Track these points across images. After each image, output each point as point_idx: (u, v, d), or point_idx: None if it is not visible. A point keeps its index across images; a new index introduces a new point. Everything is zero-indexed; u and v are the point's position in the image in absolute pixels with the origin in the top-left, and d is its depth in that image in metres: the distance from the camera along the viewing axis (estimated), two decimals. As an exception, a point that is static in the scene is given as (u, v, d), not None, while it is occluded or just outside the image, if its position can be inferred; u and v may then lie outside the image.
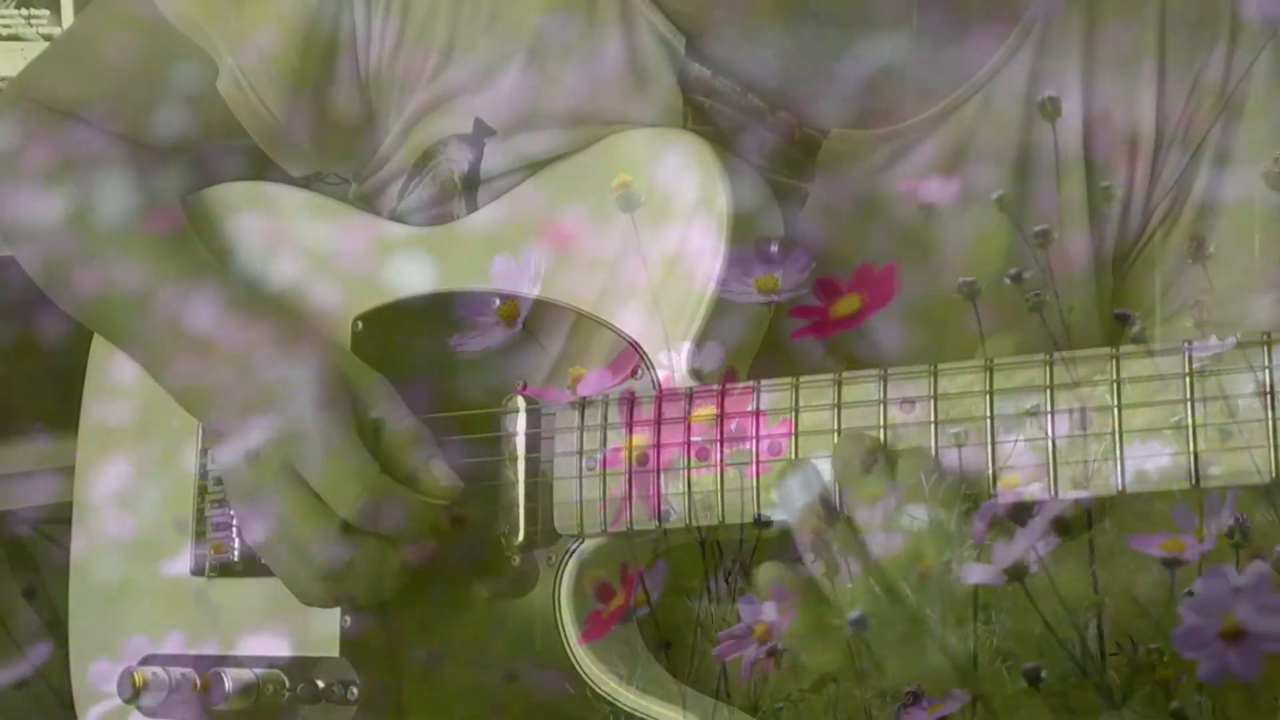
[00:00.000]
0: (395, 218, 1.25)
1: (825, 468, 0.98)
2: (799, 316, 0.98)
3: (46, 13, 2.22)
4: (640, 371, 1.08)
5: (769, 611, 0.93)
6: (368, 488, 1.10)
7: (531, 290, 1.12)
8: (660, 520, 1.04)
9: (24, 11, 2.21)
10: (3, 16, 2.20)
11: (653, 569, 1.01)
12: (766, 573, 0.96)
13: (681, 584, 1.01)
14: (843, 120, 1.16)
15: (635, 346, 1.08)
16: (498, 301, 1.12)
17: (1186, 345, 0.88)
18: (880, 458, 0.95)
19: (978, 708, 0.89)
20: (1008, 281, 0.89)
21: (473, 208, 1.20)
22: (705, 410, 1.03)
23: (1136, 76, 1.18)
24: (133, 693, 1.19)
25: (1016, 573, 0.83)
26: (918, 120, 1.16)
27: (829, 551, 0.95)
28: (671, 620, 1.02)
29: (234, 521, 1.24)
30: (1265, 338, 0.87)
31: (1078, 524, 0.87)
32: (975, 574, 0.84)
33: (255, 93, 1.23)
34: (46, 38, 2.21)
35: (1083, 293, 1.19)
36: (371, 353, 1.19)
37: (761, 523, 0.98)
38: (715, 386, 1.03)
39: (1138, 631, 0.87)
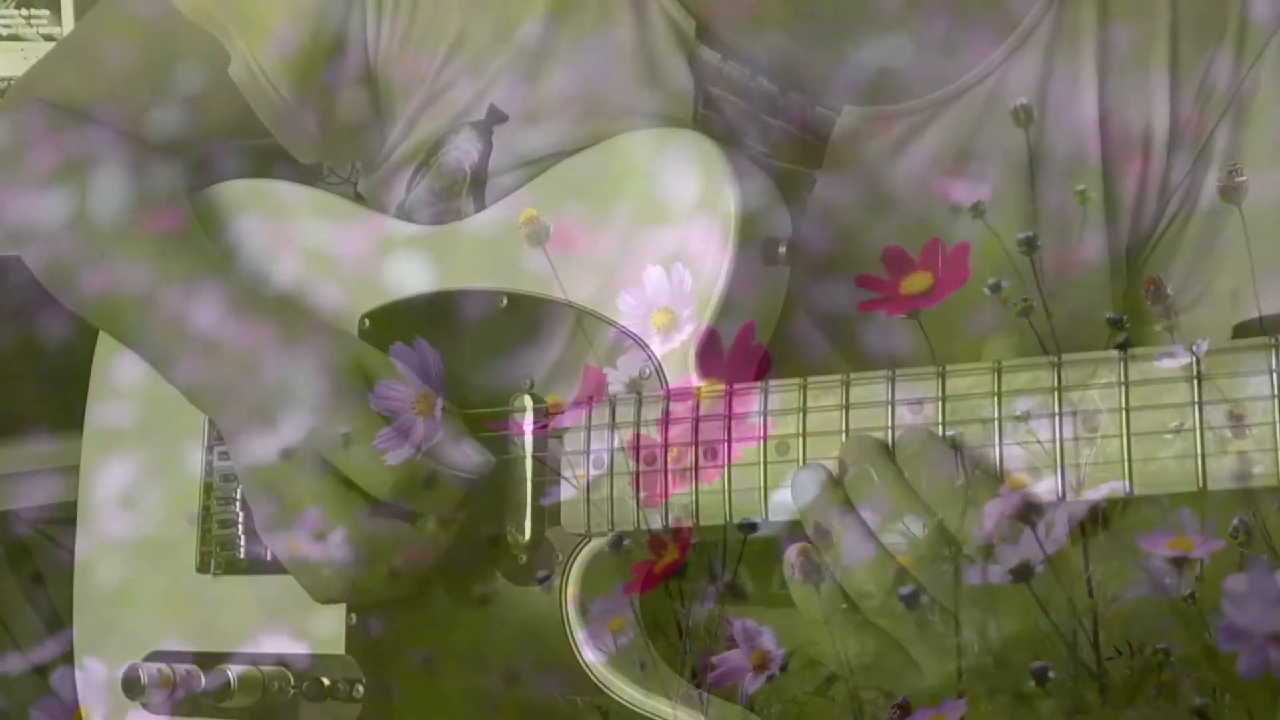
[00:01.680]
0: (403, 211, 1.25)
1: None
2: (865, 287, 0.95)
3: (46, 13, 2.22)
4: (647, 371, 1.08)
5: (767, 639, 0.93)
6: (399, 468, 1.10)
7: (438, 387, 1.11)
8: (666, 521, 1.04)
9: (24, 11, 2.21)
10: (3, 16, 2.21)
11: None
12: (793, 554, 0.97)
13: (683, 586, 1.01)
14: (853, 100, 1.17)
15: (643, 347, 1.08)
16: (412, 393, 1.11)
17: (1197, 345, 0.88)
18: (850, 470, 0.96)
19: (974, 710, 0.89)
20: (987, 291, 0.89)
21: (480, 205, 1.21)
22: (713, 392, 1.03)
23: (1149, 76, 1.19)
24: (138, 690, 1.19)
25: (1022, 573, 0.83)
26: (929, 100, 1.17)
27: (819, 562, 0.95)
28: (672, 620, 1.02)
29: (240, 519, 1.25)
30: (1274, 341, 0.87)
31: (1094, 521, 0.87)
32: (979, 575, 0.84)
33: (267, 77, 1.24)
34: (47, 38, 2.21)
35: (1097, 290, 1.19)
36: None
37: (745, 527, 0.98)
38: (723, 387, 1.03)
39: (1139, 634, 0.87)
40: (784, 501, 0.98)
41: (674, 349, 1.07)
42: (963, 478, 0.92)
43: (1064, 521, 0.83)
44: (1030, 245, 0.90)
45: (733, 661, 0.93)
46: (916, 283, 0.94)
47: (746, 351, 1.02)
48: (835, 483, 0.96)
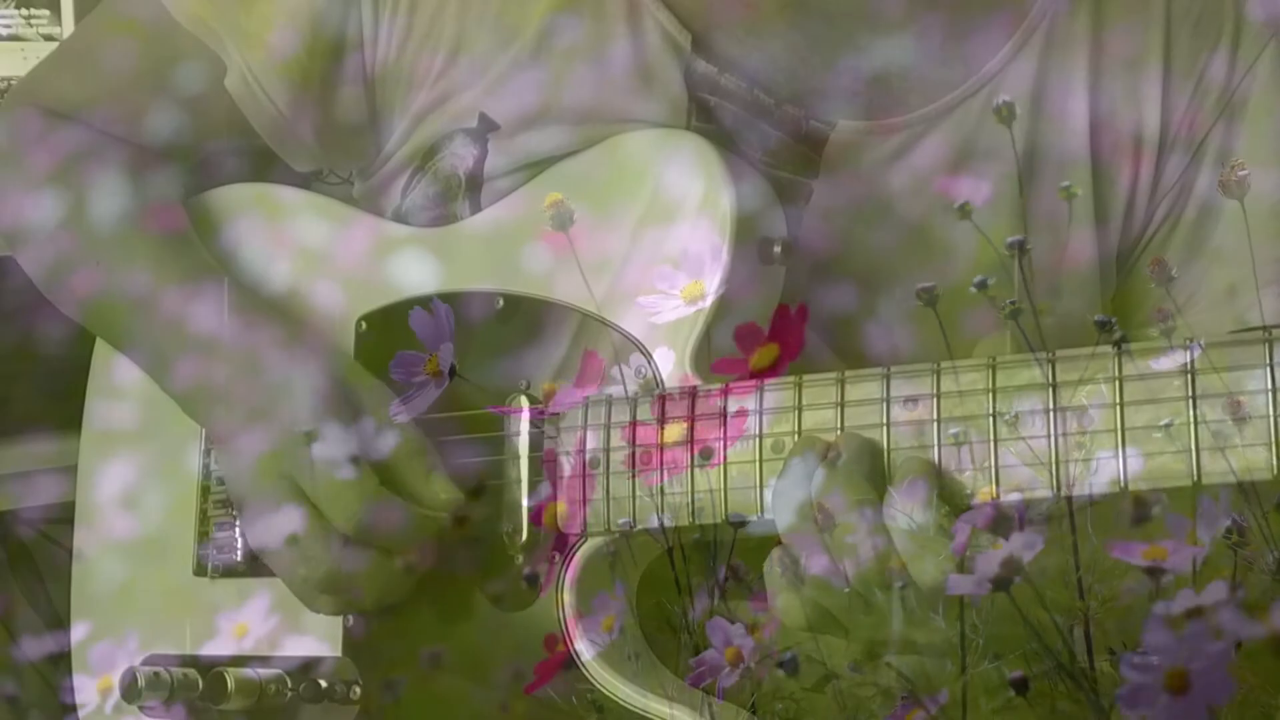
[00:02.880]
0: (399, 215, 1.25)
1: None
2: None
3: (46, 13, 2.22)
4: (642, 371, 1.08)
5: (738, 634, 0.93)
6: (367, 501, 1.10)
7: (448, 345, 1.12)
8: (663, 521, 1.04)
9: (24, 11, 2.21)
10: (3, 16, 2.20)
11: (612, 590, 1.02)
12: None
13: (682, 582, 1.01)
14: (849, 114, 1.16)
15: (639, 347, 1.08)
16: (424, 358, 1.11)
17: (1191, 344, 0.88)
18: (843, 454, 0.96)
19: (967, 708, 0.89)
20: (973, 289, 0.89)
21: (476, 208, 1.21)
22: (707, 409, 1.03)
23: (1141, 77, 1.19)
24: (135, 693, 1.19)
25: (1001, 582, 0.83)
26: (924, 113, 1.17)
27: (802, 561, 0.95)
28: (670, 618, 1.02)
29: (237, 522, 1.24)
30: (1266, 334, 0.87)
31: (1059, 517, 0.87)
32: (959, 585, 0.84)
33: (263, 90, 1.24)
34: (47, 38, 2.21)
35: (1087, 293, 1.19)
36: (374, 353, 1.19)
37: (735, 523, 0.98)
38: (719, 386, 1.03)
39: (1125, 636, 0.87)
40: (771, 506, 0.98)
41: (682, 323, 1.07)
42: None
43: (1041, 527, 0.83)
44: (1020, 248, 0.90)
45: (710, 660, 0.93)
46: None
47: (789, 320, 1.02)
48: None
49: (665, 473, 1.04)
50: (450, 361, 1.10)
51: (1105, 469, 0.90)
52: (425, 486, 1.12)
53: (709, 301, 1.06)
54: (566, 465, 1.09)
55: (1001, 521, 0.84)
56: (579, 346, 1.12)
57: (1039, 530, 0.83)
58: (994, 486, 0.92)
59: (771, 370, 0.97)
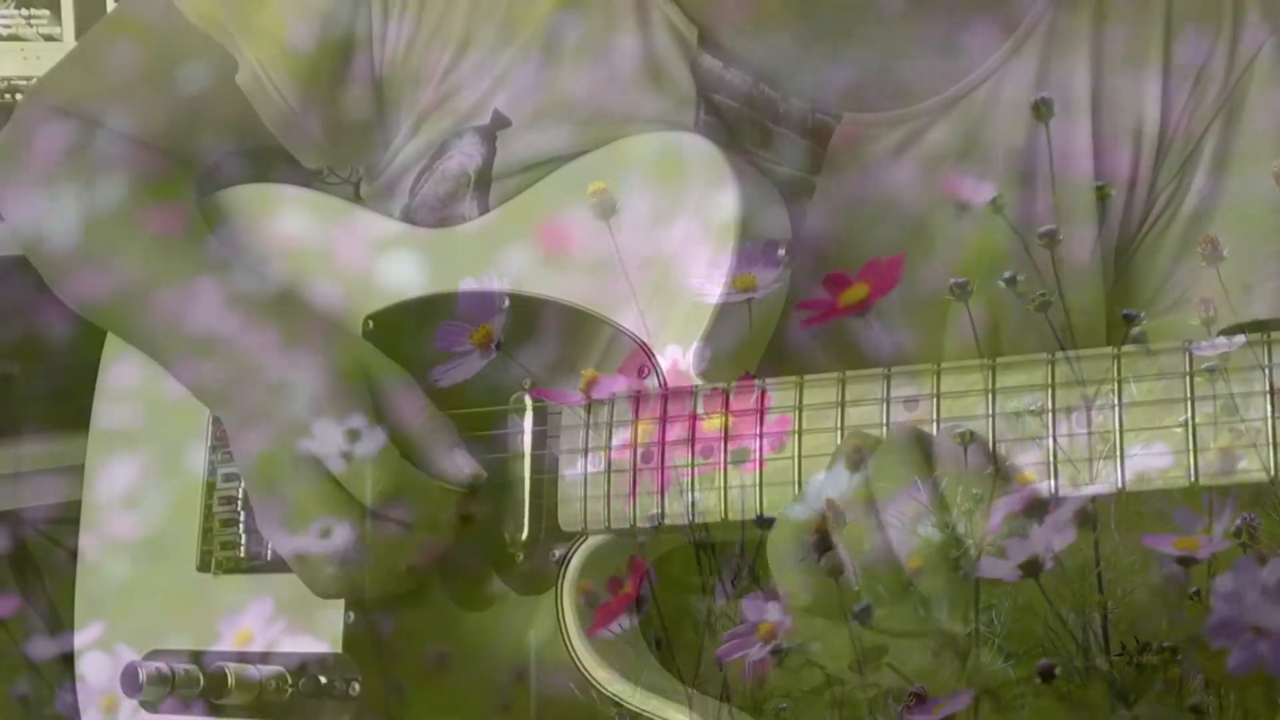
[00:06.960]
0: (408, 214, 1.25)
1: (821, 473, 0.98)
2: (806, 309, 0.98)
3: (46, 13, 2.22)
4: (647, 371, 1.08)
5: (773, 611, 0.93)
6: (389, 473, 1.11)
7: (500, 311, 1.13)
8: (661, 519, 1.04)
9: (24, 11, 2.21)
10: (3, 16, 2.21)
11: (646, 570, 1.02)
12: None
13: (686, 583, 1.02)
14: (853, 106, 1.17)
15: (643, 346, 1.09)
16: (471, 328, 1.12)
17: (1187, 344, 0.88)
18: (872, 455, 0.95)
19: (981, 707, 0.89)
20: (1001, 284, 0.89)
21: (484, 208, 1.21)
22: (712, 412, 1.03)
23: (1142, 72, 1.19)
24: (137, 689, 1.19)
25: (1031, 568, 0.83)
26: (929, 104, 1.18)
27: (832, 554, 0.95)
28: (672, 619, 1.02)
29: (241, 518, 1.25)
30: (1265, 336, 0.87)
31: (1092, 519, 0.87)
32: (990, 568, 0.84)
33: (273, 84, 1.25)
34: (47, 38, 2.21)
35: (1089, 288, 1.20)
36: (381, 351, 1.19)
37: (763, 523, 0.98)
38: (720, 385, 1.03)
39: (1147, 630, 0.87)
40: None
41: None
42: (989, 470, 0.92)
43: (1070, 516, 0.83)
44: (1052, 238, 0.90)
45: (742, 634, 0.93)
46: (853, 294, 0.96)
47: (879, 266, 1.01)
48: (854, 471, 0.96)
49: (664, 472, 1.04)
50: (501, 336, 1.10)
51: (1108, 468, 0.90)
52: (449, 460, 1.13)
53: (759, 295, 1.06)
54: (579, 462, 1.09)
55: (1034, 508, 0.84)
56: (584, 345, 1.12)
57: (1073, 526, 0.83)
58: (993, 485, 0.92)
59: (859, 307, 0.95)
